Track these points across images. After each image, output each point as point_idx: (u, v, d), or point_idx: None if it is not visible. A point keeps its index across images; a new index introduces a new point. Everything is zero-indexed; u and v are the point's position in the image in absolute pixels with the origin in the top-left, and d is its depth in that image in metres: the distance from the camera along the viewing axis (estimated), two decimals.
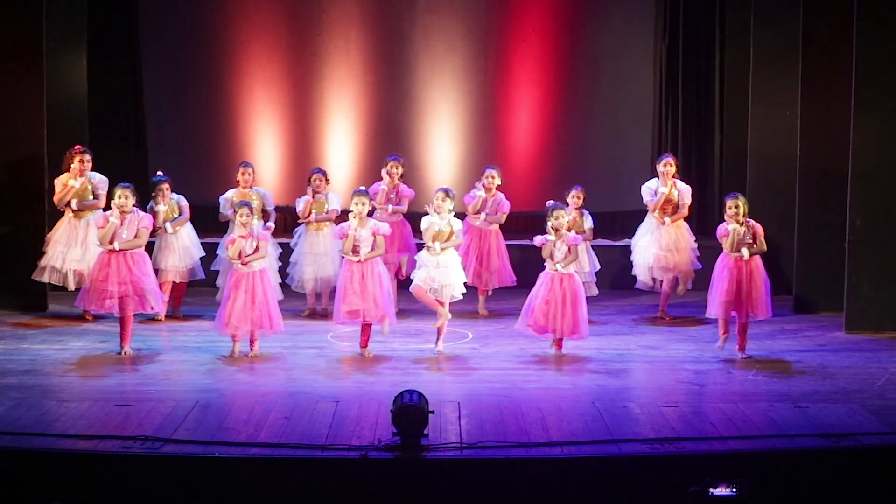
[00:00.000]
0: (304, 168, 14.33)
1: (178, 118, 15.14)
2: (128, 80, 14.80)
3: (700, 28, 15.01)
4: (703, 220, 14.68)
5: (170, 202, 11.86)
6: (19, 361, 10.08)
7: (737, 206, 10.35)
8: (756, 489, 7.13)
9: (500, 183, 12.33)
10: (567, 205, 11.56)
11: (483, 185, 12.31)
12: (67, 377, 9.67)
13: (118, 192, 10.55)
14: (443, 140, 15.23)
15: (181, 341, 10.94)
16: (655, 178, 12.12)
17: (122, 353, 10.33)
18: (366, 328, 10.46)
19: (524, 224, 14.29)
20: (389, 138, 15.02)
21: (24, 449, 7.68)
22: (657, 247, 11.98)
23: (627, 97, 15.25)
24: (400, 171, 12.39)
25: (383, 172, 12.34)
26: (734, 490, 7.02)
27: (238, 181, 12.13)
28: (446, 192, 10.74)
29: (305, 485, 7.53)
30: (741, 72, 13.80)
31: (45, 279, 11.83)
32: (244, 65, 15.13)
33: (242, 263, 10.25)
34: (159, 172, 12.06)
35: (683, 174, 12.22)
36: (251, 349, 10.35)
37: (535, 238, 10.56)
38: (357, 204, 10.44)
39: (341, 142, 15.20)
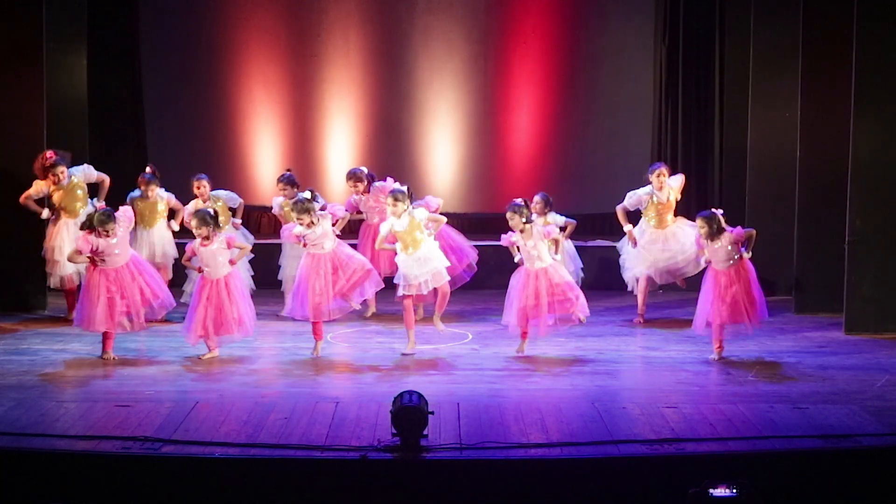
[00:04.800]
0: (304, 169, 14.36)
1: (178, 118, 15.15)
2: (128, 80, 14.81)
3: (700, 28, 15.00)
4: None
5: (156, 197, 11.85)
6: (19, 362, 10.08)
7: (700, 227, 10.39)
8: (756, 490, 7.12)
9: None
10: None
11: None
12: (67, 378, 9.66)
13: (103, 220, 10.20)
14: (442, 140, 15.23)
15: (181, 342, 10.92)
16: (649, 186, 12.02)
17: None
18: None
19: None
20: (389, 139, 15.03)
21: (24, 449, 7.67)
22: (668, 253, 11.94)
23: (627, 98, 15.25)
24: (360, 186, 12.12)
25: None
26: (734, 491, 7.01)
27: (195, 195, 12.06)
28: (394, 194, 10.55)
29: (305, 485, 7.53)
30: (741, 72, 13.79)
31: (55, 286, 11.82)
32: (244, 65, 15.13)
33: (199, 270, 10.33)
34: (148, 170, 12.05)
35: (650, 180, 12.18)
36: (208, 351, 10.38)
37: (502, 238, 10.54)
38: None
39: (341, 142, 15.21)
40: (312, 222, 10.31)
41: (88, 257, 10.23)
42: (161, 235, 11.97)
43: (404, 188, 10.73)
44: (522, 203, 10.46)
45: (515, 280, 10.52)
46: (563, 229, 11.68)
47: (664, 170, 12.03)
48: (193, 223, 10.40)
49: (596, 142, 15.27)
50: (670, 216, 11.98)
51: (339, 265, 10.36)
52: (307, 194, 10.55)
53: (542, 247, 10.41)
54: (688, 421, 8.38)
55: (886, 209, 11.31)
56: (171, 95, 15.11)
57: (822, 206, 12.12)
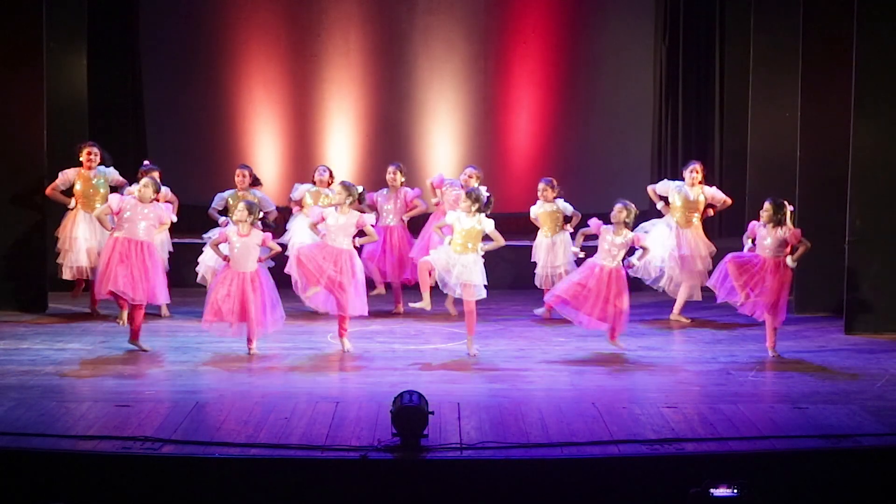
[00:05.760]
0: (304, 168, 14.36)
1: (178, 118, 15.16)
2: (128, 80, 14.82)
3: (700, 29, 15.02)
4: (704, 222, 14.67)
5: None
6: (19, 362, 10.08)
7: (766, 209, 10.47)
8: (756, 490, 7.12)
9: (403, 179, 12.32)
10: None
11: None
12: (67, 378, 9.65)
13: (144, 179, 10.69)
14: (442, 140, 15.24)
15: (181, 341, 10.94)
16: (682, 182, 12.06)
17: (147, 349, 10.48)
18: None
19: (524, 224, 14.29)
20: (389, 139, 15.04)
21: (24, 449, 7.67)
22: (678, 252, 11.94)
23: (627, 98, 15.26)
24: (398, 179, 12.28)
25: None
26: (735, 491, 7.02)
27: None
28: (470, 194, 10.54)
29: (305, 485, 7.53)
30: (741, 72, 13.81)
31: (69, 276, 11.83)
32: (244, 65, 15.14)
33: (224, 258, 10.40)
34: (146, 161, 12.10)
35: (683, 175, 12.23)
36: (248, 348, 10.41)
37: (592, 221, 10.84)
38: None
39: (341, 142, 15.21)
40: (344, 206, 10.37)
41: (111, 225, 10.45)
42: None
43: (485, 196, 10.61)
44: (636, 208, 10.70)
45: (584, 265, 10.67)
46: (568, 220, 12.00)
47: (697, 167, 12.04)
48: (240, 207, 10.45)
49: (596, 142, 15.27)
50: (696, 218, 11.98)
51: (339, 262, 10.35)
52: (360, 188, 10.71)
53: (622, 252, 10.55)
54: (688, 421, 8.38)
55: (886, 209, 11.31)
56: (171, 95, 15.12)
57: (822, 206, 12.11)
